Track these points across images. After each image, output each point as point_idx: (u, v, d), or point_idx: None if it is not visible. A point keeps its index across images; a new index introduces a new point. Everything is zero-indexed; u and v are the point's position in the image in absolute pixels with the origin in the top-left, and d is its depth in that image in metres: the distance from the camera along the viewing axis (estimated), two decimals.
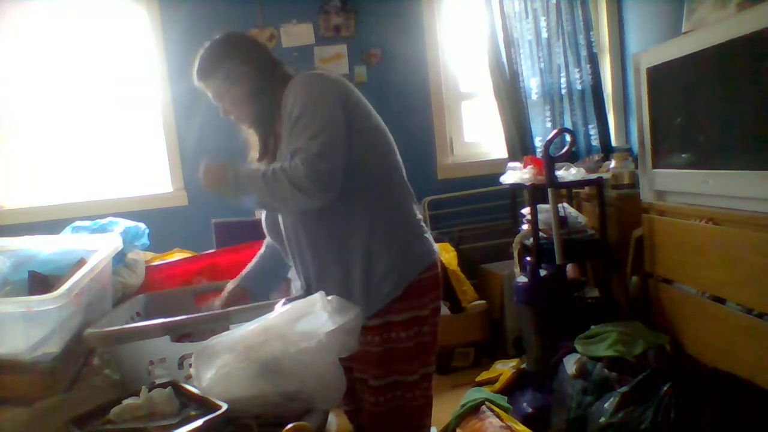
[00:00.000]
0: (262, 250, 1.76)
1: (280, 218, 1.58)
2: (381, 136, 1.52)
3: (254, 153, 1.62)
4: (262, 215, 1.70)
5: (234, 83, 1.52)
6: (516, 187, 2.90)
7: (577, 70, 3.42)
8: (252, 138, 1.62)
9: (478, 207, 3.50)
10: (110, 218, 1.87)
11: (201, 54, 1.56)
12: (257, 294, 1.67)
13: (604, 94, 3.49)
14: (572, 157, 3.04)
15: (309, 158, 1.35)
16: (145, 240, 1.88)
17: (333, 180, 1.38)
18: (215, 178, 1.47)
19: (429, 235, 1.57)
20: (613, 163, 2.81)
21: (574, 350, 2.25)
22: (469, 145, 3.71)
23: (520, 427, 2.13)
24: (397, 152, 1.56)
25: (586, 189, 2.84)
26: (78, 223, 1.85)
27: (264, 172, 1.41)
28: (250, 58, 1.54)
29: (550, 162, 2.51)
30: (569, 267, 2.70)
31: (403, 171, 1.57)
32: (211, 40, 1.57)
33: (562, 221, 2.53)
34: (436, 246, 1.59)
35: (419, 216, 1.57)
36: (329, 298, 1.32)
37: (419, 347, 1.49)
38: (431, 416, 1.57)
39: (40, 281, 1.53)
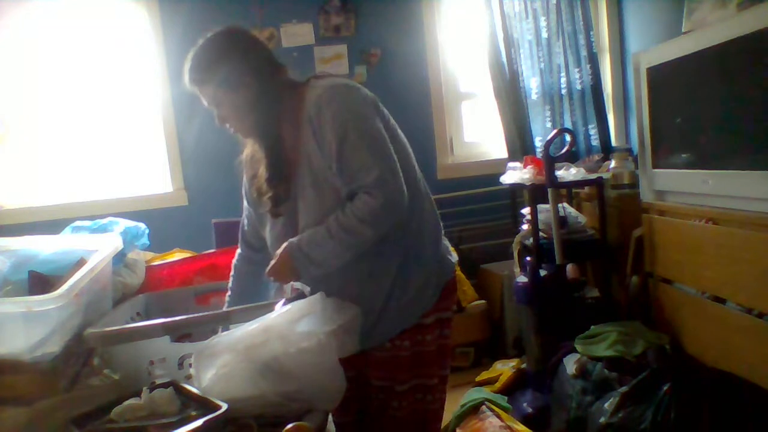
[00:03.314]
0: (235, 271, 1.63)
1: (268, 228, 1.49)
2: (406, 155, 1.43)
3: (247, 150, 1.50)
4: (243, 222, 1.60)
5: (233, 89, 1.36)
6: (516, 187, 2.90)
7: (577, 70, 3.42)
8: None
9: (478, 207, 3.49)
10: (110, 218, 1.87)
11: (195, 53, 1.37)
12: None
13: (604, 94, 3.49)
14: (572, 157, 3.04)
15: (375, 184, 1.26)
16: (145, 240, 1.88)
17: (404, 197, 1.30)
18: (287, 270, 1.35)
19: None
20: (613, 163, 2.80)
21: (574, 350, 2.25)
22: (469, 145, 3.71)
23: (520, 427, 2.13)
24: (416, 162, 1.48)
25: (586, 189, 2.83)
26: (78, 223, 1.85)
27: (329, 230, 1.30)
28: (250, 60, 1.37)
29: (550, 162, 2.51)
30: (569, 267, 2.70)
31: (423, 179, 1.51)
32: (206, 37, 1.39)
33: (562, 221, 2.52)
34: None
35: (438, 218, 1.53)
36: (329, 298, 1.32)
37: (441, 350, 1.47)
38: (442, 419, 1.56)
39: (40, 281, 1.53)
